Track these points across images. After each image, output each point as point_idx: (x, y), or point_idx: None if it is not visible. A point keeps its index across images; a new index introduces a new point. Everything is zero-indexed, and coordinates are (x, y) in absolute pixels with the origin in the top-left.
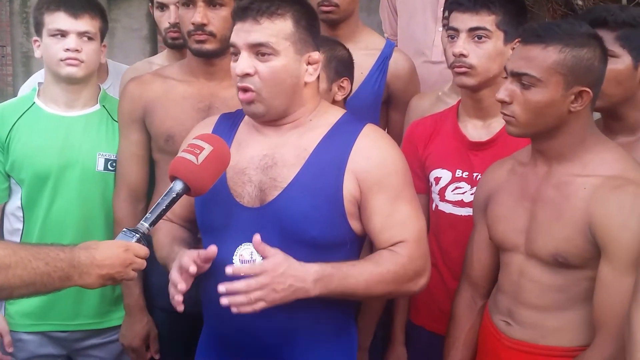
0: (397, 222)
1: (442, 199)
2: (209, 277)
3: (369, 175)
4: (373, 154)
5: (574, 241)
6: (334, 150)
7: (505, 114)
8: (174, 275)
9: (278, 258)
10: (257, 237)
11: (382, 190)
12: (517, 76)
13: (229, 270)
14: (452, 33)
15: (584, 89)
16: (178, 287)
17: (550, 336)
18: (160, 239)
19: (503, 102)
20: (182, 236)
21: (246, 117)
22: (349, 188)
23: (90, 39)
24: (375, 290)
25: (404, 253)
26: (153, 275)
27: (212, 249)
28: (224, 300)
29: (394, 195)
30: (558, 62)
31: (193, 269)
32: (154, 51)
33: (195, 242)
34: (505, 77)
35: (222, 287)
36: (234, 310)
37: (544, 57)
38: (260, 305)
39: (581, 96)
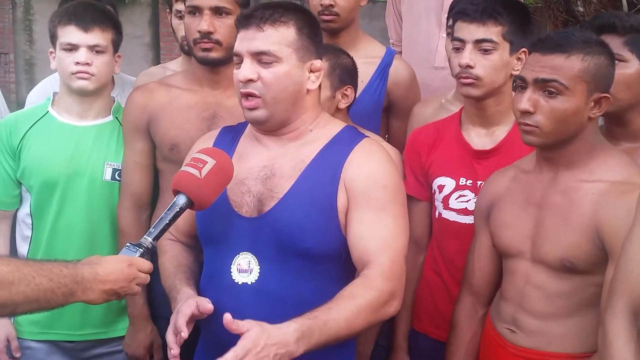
0: (376, 236)
1: (446, 206)
2: (207, 286)
3: (356, 185)
4: (364, 165)
5: (582, 246)
6: (330, 162)
7: (527, 124)
8: (170, 338)
9: (255, 332)
10: (227, 317)
11: (367, 201)
12: (541, 84)
13: None
14: (457, 44)
15: (603, 95)
16: (172, 352)
17: (556, 343)
18: (165, 265)
19: (526, 112)
20: (187, 263)
21: (247, 129)
22: (341, 199)
23: (101, 51)
24: (357, 325)
25: (376, 275)
26: (157, 285)
27: (209, 307)
28: None
29: (379, 209)
30: (582, 70)
31: (185, 335)
32: (157, 58)
33: (198, 267)
34: (524, 87)
35: None
36: None
37: (570, 65)
38: None
39: (600, 103)
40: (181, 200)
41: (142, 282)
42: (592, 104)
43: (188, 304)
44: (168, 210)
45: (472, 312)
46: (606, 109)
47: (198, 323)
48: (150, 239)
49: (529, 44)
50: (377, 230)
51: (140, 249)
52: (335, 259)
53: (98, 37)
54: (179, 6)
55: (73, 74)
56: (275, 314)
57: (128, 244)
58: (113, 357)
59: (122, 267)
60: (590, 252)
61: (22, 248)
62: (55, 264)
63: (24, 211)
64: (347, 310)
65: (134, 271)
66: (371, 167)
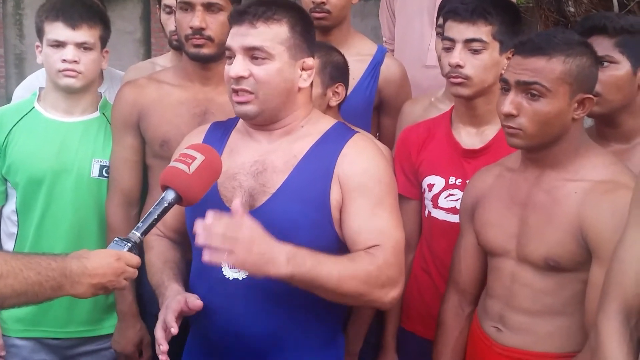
0: (375, 227)
1: (435, 205)
2: (197, 282)
3: (350, 180)
4: (357, 160)
5: (566, 245)
6: (322, 157)
7: (510, 127)
8: (159, 334)
9: (257, 224)
10: (236, 202)
11: (362, 195)
12: (523, 86)
13: (209, 218)
14: (447, 43)
15: (587, 96)
16: (161, 348)
17: (542, 342)
18: (152, 261)
19: (509, 115)
20: (174, 259)
21: (238, 124)
22: (334, 194)
23: (88, 49)
24: (347, 286)
25: (380, 256)
26: (145, 282)
27: (198, 304)
28: (199, 230)
29: (375, 202)
30: (564, 72)
31: (174, 331)
32: (148, 54)
33: (185, 263)
34: (507, 90)
35: (199, 227)
36: (205, 256)
37: (551, 68)
38: (231, 256)
39: (584, 103)
40: (170, 195)
41: (130, 276)
42: (576, 105)
43: (177, 300)
44: (156, 205)
45: (458, 310)
46: (596, 109)
47: (187, 319)
48: (138, 234)
49: (513, 45)
50: (375, 222)
51: (128, 244)
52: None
53: (86, 34)
54: (168, 1)
55: (60, 71)
56: (266, 310)
57: (116, 239)
58: (100, 354)
59: (111, 261)
60: (575, 251)
61: (8, 245)
62: (44, 257)
63: (10, 208)
64: (344, 266)
65: (122, 265)
66: (365, 162)
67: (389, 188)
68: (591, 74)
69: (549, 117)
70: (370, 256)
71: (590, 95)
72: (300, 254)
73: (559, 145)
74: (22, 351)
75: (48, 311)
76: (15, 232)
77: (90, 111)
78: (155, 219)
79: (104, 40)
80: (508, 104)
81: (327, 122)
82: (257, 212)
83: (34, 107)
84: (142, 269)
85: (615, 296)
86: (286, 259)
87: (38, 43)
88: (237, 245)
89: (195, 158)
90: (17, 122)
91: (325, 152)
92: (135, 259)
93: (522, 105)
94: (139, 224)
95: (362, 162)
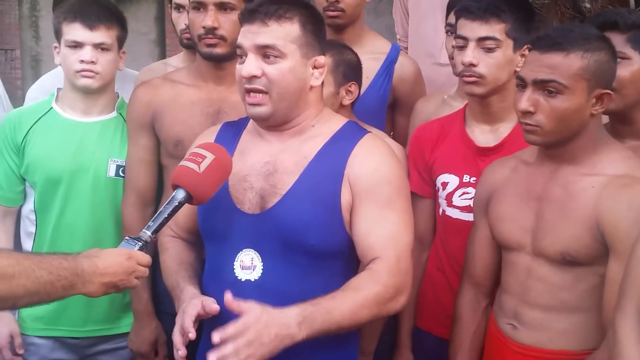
0: (381, 232)
1: (450, 204)
2: (210, 283)
3: (360, 182)
4: (367, 161)
5: (582, 239)
6: (332, 158)
7: (528, 124)
8: (177, 339)
9: (256, 311)
10: (228, 296)
11: (371, 197)
12: (540, 84)
13: (216, 339)
14: (460, 42)
15: (605, 92)
16: (179, 353)
17: (558, 339)
18: (167, 262)
19: (526, 112)
20: (189, 260)
21: (249, 125)
22: (345, 195)
23: (106, 49)
24: (361, 317)
25: (383, 270)
26: (160, 280)
27: (215, 308)
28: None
29: (383, 205)
30: (582, 67)
31: (192, 336)
32: (163, 55)
33: (201, 264)
34: (524, 86)
35: (212, 357)
36: None
37: (568, 64)
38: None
39: (602, 99)
40: (180, 194)
41: (141, 275)
42: (594, 100)
43: (193, 304)
44: (167, 204)
45: (474, 305)
46: (611, 106)
47: (202, 320)
48: (149, 233)
49: (530, 40)
50: (382, 226)
51: (139, 243)
52: (339, 255)
53: (103, 35)
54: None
55: (78, 72)
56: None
57: (127, 238)
58: (117, 353)
59: (121, 260)
60: (591, 245)
61: (26, 244)
62: (55, 257)
63: (28, 207)
64: (352, 301)
65: (133, 264)
66: (375, 162)
67: (400, 189)
68: (609, 69)
69: (566, 113)
70: (372, 275)
71: (609, 91)
72: (309, 312)
73: (577, 140)
74: (40, 350)
75: (66, 310)
76: (34, 232)
77: (108, 111)
78: (166, 217)
79: (121, 41)
80: (525, 101)
81: (338, 121)
82: (268, 214)
83: (52, 107)
84: (156, 267)
85: (632, 294)
86: (297, 326)
87: (56, 44)
88: (251, 348)
89: (205, 157)
90: (35, 122)
91: (336, 152)
92: (146, 257)
93: (539, 102)
94: (149, 223)
95: (372, 163)
